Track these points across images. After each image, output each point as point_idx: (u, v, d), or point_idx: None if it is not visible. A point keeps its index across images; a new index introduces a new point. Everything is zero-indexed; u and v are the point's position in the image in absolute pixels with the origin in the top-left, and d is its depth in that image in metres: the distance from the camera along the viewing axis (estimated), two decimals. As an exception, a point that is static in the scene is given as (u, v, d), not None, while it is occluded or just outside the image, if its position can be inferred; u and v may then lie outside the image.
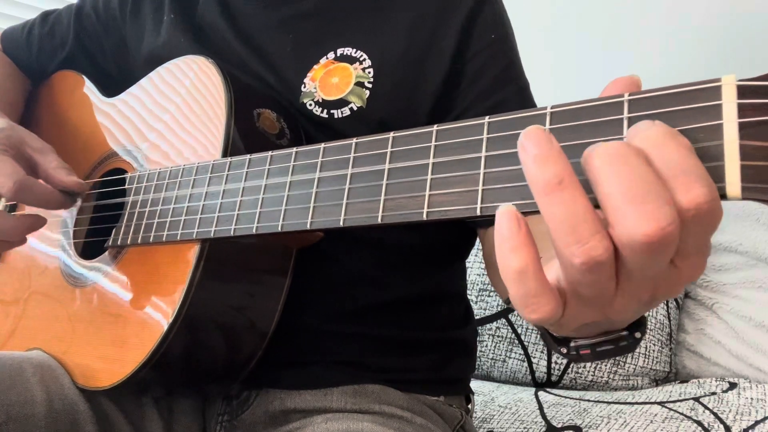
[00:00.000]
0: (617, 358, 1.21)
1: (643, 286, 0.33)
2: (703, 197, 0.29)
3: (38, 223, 0.69)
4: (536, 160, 0.31)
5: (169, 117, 0.71)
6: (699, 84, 0.32)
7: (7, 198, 0.64)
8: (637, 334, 0.41)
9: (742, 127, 0.30)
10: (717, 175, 0.30)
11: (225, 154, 0.62)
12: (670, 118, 0.32)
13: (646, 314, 0.41)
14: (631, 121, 0.33)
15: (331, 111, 0.71)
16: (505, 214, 0.33)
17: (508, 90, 0.72)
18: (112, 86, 0.85)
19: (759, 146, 0.29)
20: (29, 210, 0.70)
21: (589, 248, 0.31)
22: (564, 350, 0.42)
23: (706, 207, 0.29)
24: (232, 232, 0.54)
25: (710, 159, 0.31)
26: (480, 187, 0.38)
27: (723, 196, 0.30)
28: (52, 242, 0.79)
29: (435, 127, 0.41)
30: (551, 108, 0.36)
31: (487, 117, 0.38)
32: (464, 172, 0.39)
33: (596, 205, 0.31)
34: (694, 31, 1.48)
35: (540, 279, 0.32)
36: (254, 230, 0.52)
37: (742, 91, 0.30)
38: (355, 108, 0.70)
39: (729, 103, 0.30)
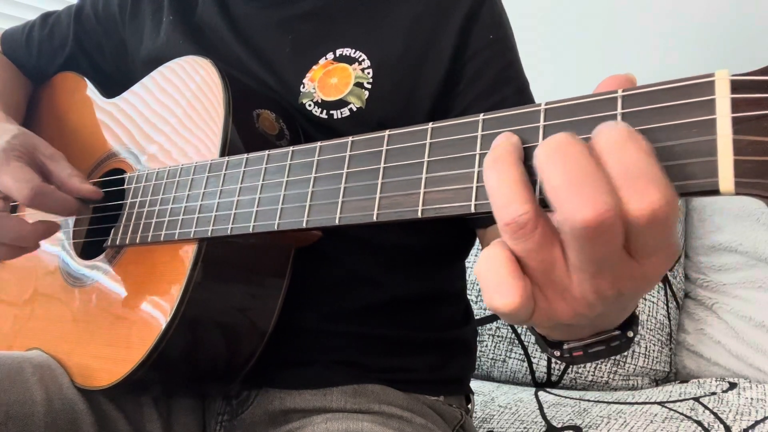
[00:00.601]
0: (617, 357, 1.21)
1: (601, 276, 0.33)
2: (658, 202, 0.30)
3: (53, 229, 0.69)
4: (491, 148, 0.36)
5: (168, 117, 0.71)
6: (692, 79, 0.32)
7: (23, 203, 0.65)
8: (630, 334, 0.41)
9: (736, 122, 0.30)
10: (710, 169, 0.30)
11: (223, 154, 0.62)
12: (664, 114, 0.32)
13: (637, 313, 0.41)
14: (625, 117, 0.33)
15: (331, 111, 0.71)
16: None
17: (507, 90, 0.72)
18: (112, 87, 0.85)
19: (752, 141, 0.29)
20: (42, 216, 0.70)
21: (512, 209, 0.33)
22: (557, 353, 0.43)
23: (661, 211, 0.30)
24: (229, 231, 0.54)
25: (703, 154, 0.31)
26: (474, 185, 0.38)
27: (716, 191, 0.30)
28: (53, 242, 0.79)
29: (430, 125, 0.41)
30: (545, 104, 0.36)
31: (482, 114, 0.39)
32: (459, 169, 0.39)
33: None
34: (691, 30, 1.48)
35: (510, 262, 0.34)
36: (251, 229, 0.52)
37: (736, 86, 0.30)
38: (354, 108, 0.70)
39: (722, 98, 0.30)
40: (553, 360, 1.25)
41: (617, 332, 0.41)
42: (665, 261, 0.33)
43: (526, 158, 0.35)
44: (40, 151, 0.70)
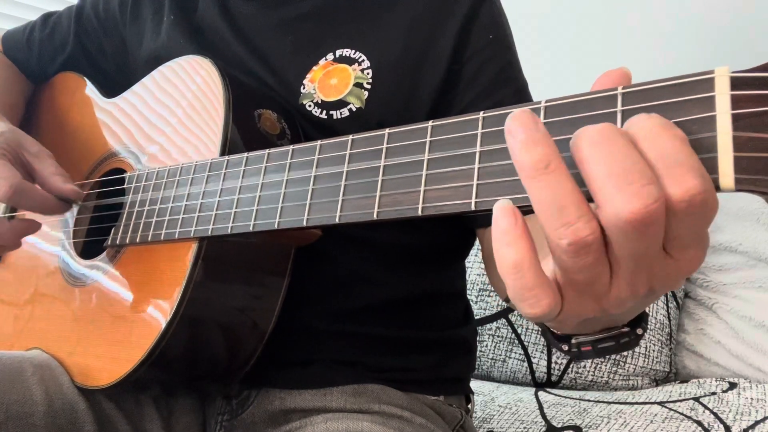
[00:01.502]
0: (617, 357, 1.20)
1: (638, 274, 0.33)
2: (696, 188, 0.29)
3: (32, 227, 0.70)
4: (523, 144, 0.32)
5: (169, 116, 0.71)
6: (692, 76, 0.32)
7: (2, 201, 0.65)
8: (639, 330, 0.41)
9: (736, 119, 0.30)
10: (710, 166, 0.30)
11: (223, 153, 0.62)
12: (664, 110, 0.32)
13: (646, 310, 0.40)
14: (625, 114, 0.33)
15: (330, 112, 0.71)
16: (501, 209, 0.33)
17: (506, 90, 0.72)
18: (112, 87, 0.85)
19: (752, 137, 0.29)
20: (28, 215, 0.70)
21: (575, 229, 0.31)
22: (565, 347, 0.42)
23: (700, 198, 0.29)
24: (229, 230, 0.54)
25: (704, 150, 0.31)
26: (474, 182, 0.38)
27: (716, 188, 0.30)
28: (53, 242, 0.79)
29: (430, 123, 0.41)
30: (545, 102, 0.36)
31: (481, 112, 0.39)
32: (459, 167, 0.39)
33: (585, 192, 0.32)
34: (691, 27, 1.48)
35: (536, 272, 0.33)
36: (251, 228, 0.52)
37: (736, 83, 0.30)
38: (354, 109, 0.70)
39: (722, 94, 0.30)
40: (553, 360, 1.25)
41: (627, 329, 0.41)
42: (698, 257, 0.33)
43: None
44: (25, 149, 0.70)
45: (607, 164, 0.30)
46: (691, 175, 0.29)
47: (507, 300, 0.71)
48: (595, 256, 0.32)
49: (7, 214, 0.78)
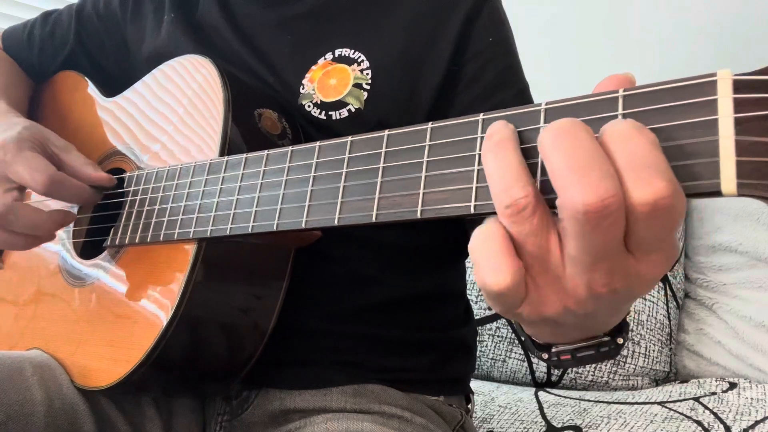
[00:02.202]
0: (617, 357, 1.20)
1: (595, 270, 0.33)
2: (662, 192, 0.29)
3: (68, 218, 0.69)
4: (487, 133, 0.36)
5: (169, 116, 0.71)
6: (694, 79, 0.31)
7: (39, 192, 0.65)
8: (619, 340, 0.41)
9: (738, 123, 0.30)
10: (712, 171, 0.30)
11: (222, 153, 0.62)
12: (665, 114, 0.32)
13: (629, 320, 0.40)
14: (626, 117, 0.33)
15: (330, 113, 0.71)
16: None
17: (506, 92, 0.72)
18: (113, 86, 0.85)
19: (755, 141, 0.29)
20: (56, 204, 0.70)
21: (511, 193, 0.33)
22: (545, 356, 0.43)
23: (665, 202, 0.29)
24: (228, 231, 0.54)
25: (705, 155, 0.30)
26: (474, 185, 0.37)
27: (718, 192, 0.30)
28: (54, 241, 0.79)
29: (430, 125, 0.41)
30: (546, 104, 0.36)
31: (481, 114, 0.38)
32: (459, 169, 0.38)
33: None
34: (693, 29, 1.48)
35: (504, 243, 0.34)
36: (250, 229, 0.52)
37: (738, 86, 0.30)
38: (353, 109, 0.70)
39: (724, 98, 0.30)
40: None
41: (606, 338, 0.41)
42: (663, 262, 0.33)
43: (523, 151, 0.35)
44: (52, 142, 0.70)
45: (566, 157, 0.31)
46: (658, 178, 0.29)
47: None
48: (535, 225, 0.33)
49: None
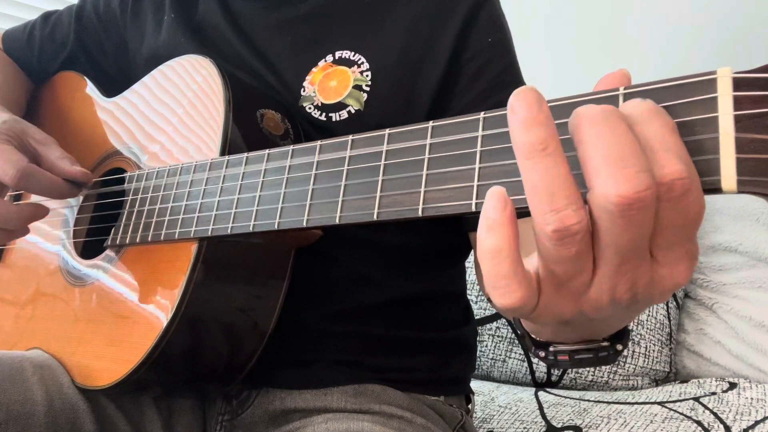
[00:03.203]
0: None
1: (621, 274, 0.32)
2: (679, 173, 0.29)
3: (40, 212, 0.69)
4: (524, 123, 0.31)
5: (169, 116, 0.71)
6: (694, 77, 0.31)
7: (10, 185, 0.64)
8: (619, 347, 0.40)
9: (738, 120, 0.30)
10: (712, 168, 0.30)
11: (223, 152, 0.62)
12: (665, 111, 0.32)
13: (630, 327, 0.40)
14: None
15: (330, 114, 0.71)
16: (493, 194, 0.32)
17: (505, 93, 0.71)
18: (113, 87, 0.85)
19: (755, 139, 0.29)
20: (34, 199, 0.70)
21: (562, 216, 0.30)
22: (542, 354, 0.42)
23: (681, 184, 0.29)
24: (229, 231, 0.54)
25: (706, 152, 0.30)
26: (475, 183, 0.37)
27: (718, 189, 0.30)
28: (54, 241, 0.79)
29: (431, 123, 0.41)
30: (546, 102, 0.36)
31: (482, 112, 0.38)
32: (459, 167, 0.38)
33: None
34: (693, 27, 1.48)
35: (515, 261, 0.32)
36: (251, 228, 0.52)
37: (738, 84, 0.30)
38: (353, 111, 0.70)
39: (724, 95, 0.30)
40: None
41: (606, 343, 0.40)
42: (684, 264, 0.32)
43: None
44: (31, 136, 0.70)
45: (604, 147, 0.30)
46: (675, 160, 0.29)
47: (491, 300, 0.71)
48: (579, 248, 0.31)
49: (12, 200, 0.78)
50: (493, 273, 0.32)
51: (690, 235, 0.32)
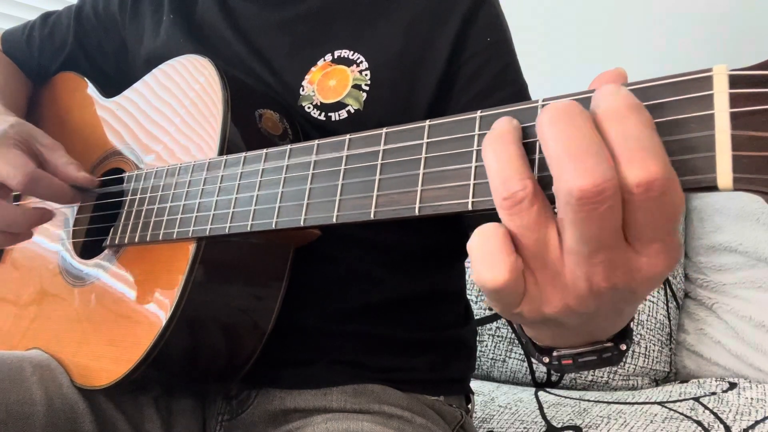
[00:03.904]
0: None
1: (594, 264, 0.33)
2: (656, 174, 0.29)
3: (46, 216, 0.69)
4: (491, 128, 0.36)
5: (168, 116, 0.71)
6: (690, 74, 0.31)
7: (17, 189, 0.65)
8: (623, 347, 0.40)
9: (734, 117, 0.30)
10: (708, 165, 0.30)
11: (222, 153, 0.62)
12: (662, 109, 0.32)
13: (632, 326, 0.40)
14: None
15: (329, 114, 0.71)
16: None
17: (504, 93, 0.72)
18: (112, 87, 0.85)
19: (751, 136, 0.29)
20: (37, 203, 0.70)
21: (509, 185, 0.33)
22: (546, 359, 0.42)
23: (658, 184, 0.29)
24: (227, 230, 0.54)
25: (701, 149, 0.30)
26: (471, 182, 0.37)
27: (714, 187, 0.30)
28: (54, 241, 0.79)
29: (427, 122, 0.41)
30: (543, 101, 0.36)
31: (479, 111, 0.38)
32: (456, 166, 0.38)
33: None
34: (689, 25, 1.48)
35: (503, 240, 0.34)
36: (249, 228, 0.52)
37: (734, 81, 0.30)
38: (352, 111, 0.70)
39: (720, 93, 0.30)
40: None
41: (610, 344, 0.40)
42: (664, 257, 0.32)
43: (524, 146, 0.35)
44: (37, 140, 0.70)
45: (563, 142, 0.31)
46: (653, 161, 0.29)
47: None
48: (533, 218, 0.33)
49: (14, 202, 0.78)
50: (482, 251, 0.34)
51: (669, 230, 0.32)
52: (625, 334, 0.41)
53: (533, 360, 0.38)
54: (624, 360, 1.19)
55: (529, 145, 0.35)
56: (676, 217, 0.31)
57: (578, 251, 0.32)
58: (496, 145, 0.34)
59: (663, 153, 0.30)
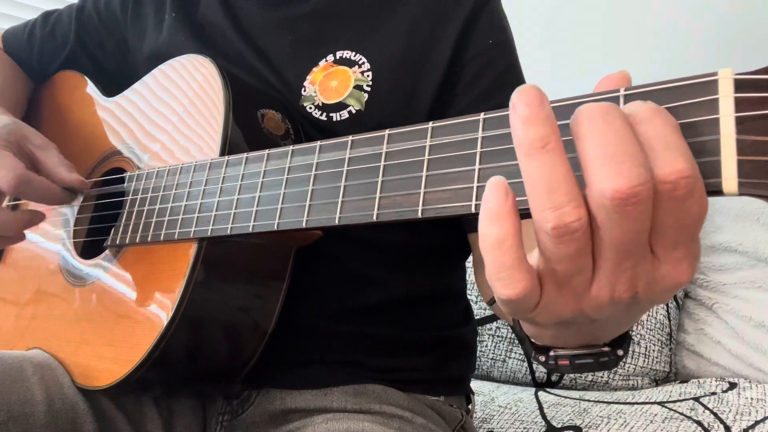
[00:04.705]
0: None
1: (620, 272, 0.32)
2: (684, 172, 0.29)
3: (36, 218, 0.69)
4: (525, 120, 0.31)
5: (169, 115, 0.71)
6: (695, 78, 0.31)
7: (6, 192, 0.65)
8: (620, 352, 0.40)
9: (740, 122, 0.30)
10: (713, 170, 0.30)
11: (223, 153, 0.61)
12: (667, 113, 0.32)
13: (631, 333, 0.40)
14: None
15: (330, 114, 0.71)
16: (494, 184, 0.32)
17: (506, 94, 0.71)
18: (113, 86, 0.85)
19: (756, 141, 0.29)
20: (32, 206, 0.70)
21: (562, 213, 0.30)
22: (543, 358, 0.41)
23: (685, 182, 0.29)
24: (228, 231, 0.54)
25: (706, 154, 0.30)
26: (475, 184, 0.37)
27: (719, 191, 0.30)
28: (54, 241, 0.79)
29: (430, 124, 0.41)
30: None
31: (482, 113, 0.38)
32: (459, 168, 0.38)
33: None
34: (693, 28, 1.48)
35: (518, 252, 0.32)
36: (251, 229, 0.52)
37: (739, 85, 0.30)
38: (353, 111, 0.70)
39: (726, 97, 0.30)
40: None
41: (607, 348, 0.40)
42: (686, 263, 0.32)
43: None
44: (30, 141, 0.70)
45: (601, 143, 0.30)
46: (681, 159, 0.29)
47: (490, 303, 0.71)
48: (578, 246, 0.31)
49: (10, 203, 0.78)
50: (497, 264, 0.32)
51: (693, 234, 0.32)
52: (623, 340, 0.41)
53: (530, 357, 0.38)
54: (624, 360, 1.19)
55: None
56: (700, 220, 0.31)
57: (606, 258, 0.32)
58: (545, 155, 0.31)
59: (690, 154, 0.30)
